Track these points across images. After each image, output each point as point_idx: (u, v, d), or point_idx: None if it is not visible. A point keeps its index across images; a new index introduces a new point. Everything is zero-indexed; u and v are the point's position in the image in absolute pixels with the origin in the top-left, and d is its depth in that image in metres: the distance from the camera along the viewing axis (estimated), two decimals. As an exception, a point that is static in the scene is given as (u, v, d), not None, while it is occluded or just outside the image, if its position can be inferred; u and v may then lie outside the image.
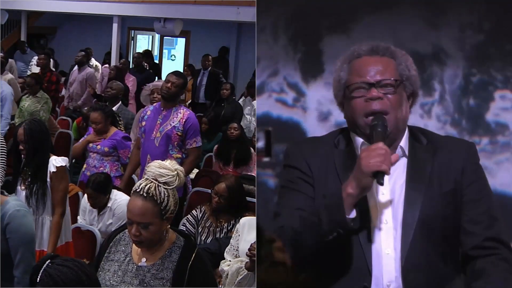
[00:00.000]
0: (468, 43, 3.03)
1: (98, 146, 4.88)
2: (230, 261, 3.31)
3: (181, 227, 3.91)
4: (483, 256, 1.97)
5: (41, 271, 1.85)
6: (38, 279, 1.85)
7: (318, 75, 3.13)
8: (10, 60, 9.49)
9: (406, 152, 2.03)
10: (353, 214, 1.87)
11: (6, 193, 2.75)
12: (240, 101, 8.25)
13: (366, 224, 1.95)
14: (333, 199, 1.88)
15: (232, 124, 6.00)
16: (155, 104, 4.85)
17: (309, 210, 1.97)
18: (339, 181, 1.98)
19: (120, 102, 6.15)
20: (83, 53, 8.77)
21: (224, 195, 3.89)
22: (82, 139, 5.17)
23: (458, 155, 2.03)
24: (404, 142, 2.04)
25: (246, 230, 3.34)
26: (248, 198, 4.21)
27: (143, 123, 4.61)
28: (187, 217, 4.01)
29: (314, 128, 3.06)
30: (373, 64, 1.99)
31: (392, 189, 1.97)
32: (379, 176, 1.84)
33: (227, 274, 3.23)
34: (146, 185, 2.09)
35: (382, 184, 1.85)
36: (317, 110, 3.12)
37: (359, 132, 2.02)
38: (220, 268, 3.30)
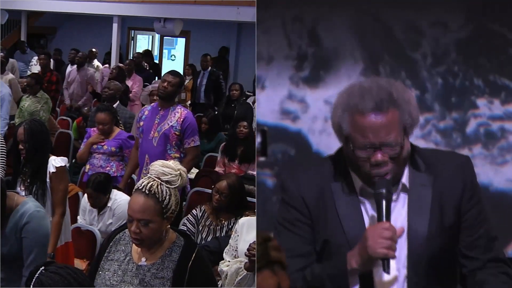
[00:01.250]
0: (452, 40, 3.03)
1: (105, 147, 4.89)
2: (229, 261, 3.31)
3: (182, 227, 3.91)
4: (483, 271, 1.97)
5: (34, 278, 1.86)
6: (31, 286, 1.86)
7: (319, 75, 3.14)
8: (11, 60, 9.49)
9: (407, 186, 2.00)
10: (356, 286, 1.86)
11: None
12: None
13: (369, 269, 1.92)
14: (337, 270, 1.86)
15: (242, 122, 6.01)
16: (153, 104, 4.85)
17: (310, 267, 1.95)
18: (339, 220, 1.96)
19: (118, 101, 6.15)
20: (81, 54, 8.76)
21: (225, 193, 3.89)
22: (83, 142, 5.16)
23: (456, 180, 2.00)
24: (405, 178, 2.00)
25: (245, 230, 3.34)
26: (248, 198, 4.21)
27: (141, 123, 4.61)
28: (187, 217, 4.01)
29: (315, 132, 3.07)
30: (378, 124, 1.91)
31: (394, 225, 1.93)
32: (385, 264, 1.82)
33: (226, 275, 3.23)
34: (148, 183, 2.10)
35: (388, 273, 1.83)
36: (319, 112, 3.13)
37: (360, 176, 1.98)
38: (219, 268, 3.31)
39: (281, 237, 2.03)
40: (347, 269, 1.84)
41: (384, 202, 1.89)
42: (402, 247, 1.95)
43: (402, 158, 1.95)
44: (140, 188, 2.11)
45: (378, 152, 1.91)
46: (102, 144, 4.91)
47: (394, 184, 1.95)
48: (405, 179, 2.00)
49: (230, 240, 3.42)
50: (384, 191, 1.89)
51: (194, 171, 5.68)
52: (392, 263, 1.84)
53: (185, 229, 3.86)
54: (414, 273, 1.94)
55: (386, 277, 1.92)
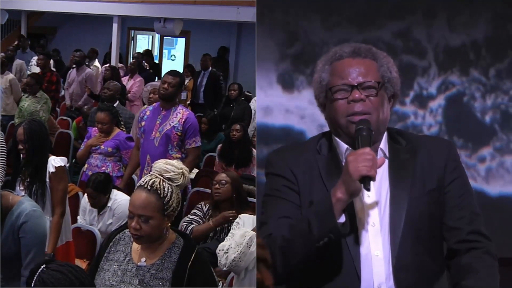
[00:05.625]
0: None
1: (102, 147, 4.89)
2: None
3: (189, 219, 3.89)
4: (466, 250, 1.99)
5: (36, 276, 1.85)
6: (32, 283, 1.85)
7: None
8: (20, 61, 9.48)
9: (387, 154, 2.04)
10: (342, 218, 1.88)
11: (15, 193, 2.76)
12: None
13: (354, 228, 1.95)
14: (322, 205, 1.89)
15: (235, 125, 5.97)
16: (154, 104, 4.85)
17: (296, 218, 1.97)
18: (325, 188, 1.99)
19: (118, 101, 6.15)
20: (79, 53, 8.76)
21: (224, 180, 3.88)
22: (83, 143, 5.16)
23: (439, 154, 2.05)
24: (383, 144, 2.04)
25: (246, 222, 3.34)
26: (248, 198, 4.19)
27: (143, 123, 4.62)
28: (194, 211, 3.99)
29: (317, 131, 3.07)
30: (355, 66, 1.98)
31: (377, 192, 1.98)
32: (366, 181, 1.84)
33: (227, 249, 3.17)
34: (151, 179, 2.12)
35: (369, 189, 1.86)
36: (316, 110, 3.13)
37: (342, 134, 2.02)
38: (218, 249, 3.25)
39: (268, 206, 2.06)
40: (332, 202, 1.85)
41: (364, 134, 1.92)
42: (385, 208, 1.98)
43: (381, 114, 1.98)
44: (142, 184, 2.12)
45: (355, 90, 1.96)
46: (100, 144, 4.91)
47: (372, 145, 1.96)
48: (383, 146, 2.03)
49: (232, 230, 3.40)
50: (364, 127, 1.93)
51: (194, 171, 5.67)
52: (372, 183, 1.87)
53: (195, 224, 3.84)
54: (396, 236, 1.96)
55: (368, 201, 1.96)
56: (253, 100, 8.38)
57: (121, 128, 5.07)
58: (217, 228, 3.86)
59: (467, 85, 3.28)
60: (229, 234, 3.33)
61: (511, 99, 3.32)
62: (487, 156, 3.29)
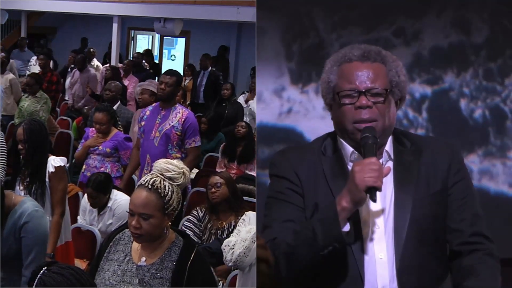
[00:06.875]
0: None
1: (100, 147, 4.89)
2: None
3: (184, 227, 3.88)
4: (468, 252, 1.99)
5: (37, 278, 1.85)
6: (33, 285, 1.85)
7: (319, 74, 3.13)
8: (10, 60, 9.50)
9: (392, 156, 2.04)
10: (347, 227, 1.87)
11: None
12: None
13: (358, 230, 1.95)
14: (327, 213, 1.88)
15: (240, 122, 6.11)
16: (154, 104, 4.86)
17: (300, 222, 1.97)
18: (329, 189, 1.99)
19: (119, 102, 6.15)
20: (80, 56, 8.76)
21: (219, 182, 3.86)
22: (80, 143, 5.16)
23: (443, 155, 2.05)
24: (389, 146, 2.04)
25: (252, 221, 3.33)
26: (248, 198, 4.19)
27: (142, 123, 4.63)
28: (188, 218, 3.98)
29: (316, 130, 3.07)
30: (364, 70, 1.98)
31: (382, 194, 1.96)
32: (372, 192, 1.84)
33: (233, 245, 3.17)
34: (151, 178, 2.13)
35: (375, 201, 1.85)
36: (321, 112, 3.13)
37: (347, 138, 2.01)
38: (223, 245, 3.25)
39: (272, 209, 2.05)
40: (337, 209, 1.85)
41: (369, 142, 1.91)
42: (389, 211, 1.98)
43: (387, 120, 1.97)
44: (143, 183, 2.13)
45: (362, 97, 1.95)
46: (98, 144, 4.91)
47: (378, 149, 1.96)
48: (389, 148, 2.03)
49: (238, 227, 3.39)
50: (370, 135, 1.92)
51: (194, 171, 5.68)
52: (378, 194, 1.86)
53: (188, 229, 3.83)
54: (400, 238, 1.96)
55: (373, 204, 1.94)
56: (240, 97, 8.38)
57: (118, 128, 5.07)
58: (218, 230, 3.85)
59: (459, 84, 3.27)
60: (235, 231, 3.33)
61: (503, 100, 3.31)
62: (477, 159, 3.29)
